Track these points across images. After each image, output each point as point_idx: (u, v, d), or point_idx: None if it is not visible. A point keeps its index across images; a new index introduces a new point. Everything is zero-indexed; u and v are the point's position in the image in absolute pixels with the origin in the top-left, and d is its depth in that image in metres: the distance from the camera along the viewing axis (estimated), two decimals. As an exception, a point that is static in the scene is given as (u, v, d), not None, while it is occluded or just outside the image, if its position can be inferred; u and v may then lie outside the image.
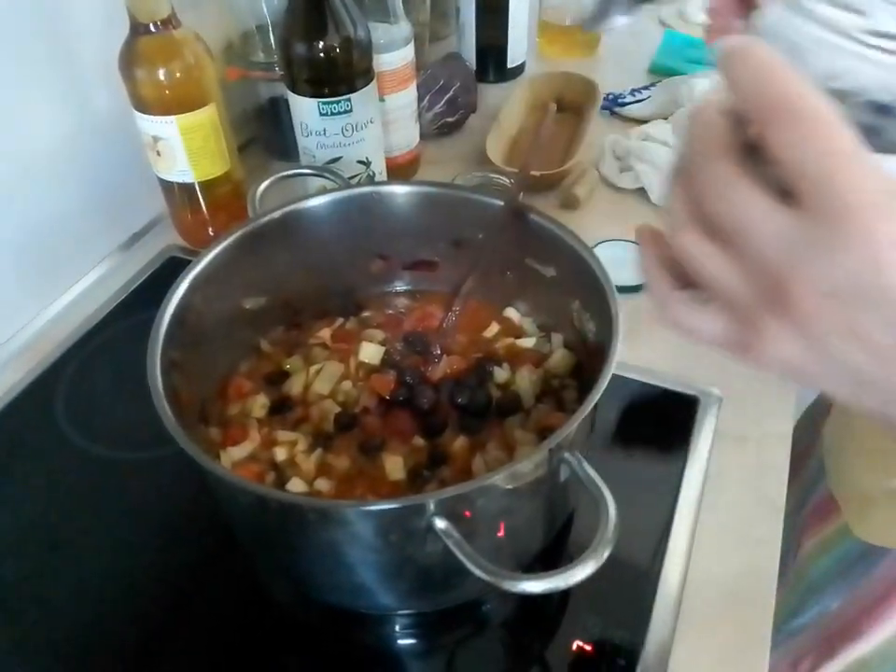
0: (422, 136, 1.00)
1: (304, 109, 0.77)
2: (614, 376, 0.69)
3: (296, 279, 0.66)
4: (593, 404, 0.45)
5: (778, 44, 0.38)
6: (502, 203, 0.61)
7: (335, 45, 0.73)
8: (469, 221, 0.64)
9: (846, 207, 0.23)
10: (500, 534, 0.47)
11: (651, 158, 0.91)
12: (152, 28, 0.70)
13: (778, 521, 0.59)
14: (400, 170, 0.94)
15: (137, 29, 0.70)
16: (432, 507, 0.41)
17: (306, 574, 0.53)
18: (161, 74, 0.72)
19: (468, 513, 0.43)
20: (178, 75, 0.72)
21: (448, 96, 0.99)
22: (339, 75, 0.75)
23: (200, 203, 0.83)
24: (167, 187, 0.82)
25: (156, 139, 0.76)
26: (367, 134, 0.80)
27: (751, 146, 0.26)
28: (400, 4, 0.84)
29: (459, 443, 0.56)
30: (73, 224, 0.81)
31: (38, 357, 0.75)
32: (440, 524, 0.41)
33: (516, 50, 1.14)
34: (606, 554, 0.39)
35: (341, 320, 0.67)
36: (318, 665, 0.54)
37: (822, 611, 0.65)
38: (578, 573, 0.38)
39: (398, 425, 0.58)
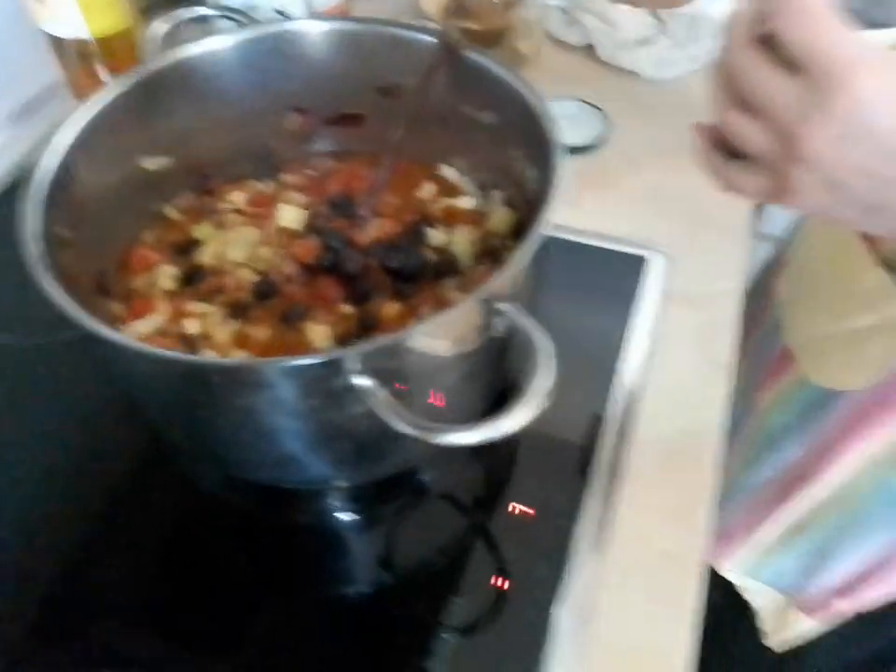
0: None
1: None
2: (560, 239, 0.66)
3: (203, 137, 0.59)
4: (530, 253, 0.41)
5: None
6: (435, 41, 0.54)
7: None
8: (397, 64, 0.57)
9: (833, 66, 0.29)
10: (436, 399, 0.44)
11: (599, 9, 0.84)
12: None
13: (726, 379, 0.57)
14: (325, 26, 0.84)
15: None
16: (353, 362, 0.37)
17: (228, 451, 0.49)
18: None
19: (395, 371, 0.39)
20: None
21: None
22: None
23: (95, 65, 0.73)
24: (58, 45, 0.72)
25: (33, -20, 0.66)
26: (282, -18, 0.70)
27: (769, 36, 0.33)
28: None
29: (390, 309, 0.52)
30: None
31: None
32: (362, 381, 0.37)
33: None
34: (540, 403, 0.36)
35: (257, 184, 0.61)
36: (255, 548, 0.50)
37: (778, 462, 0.65)
38: (510, 422, 0.34)
39: (323, 292, 0.53)
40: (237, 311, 0.52)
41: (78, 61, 0.73)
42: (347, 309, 0.52)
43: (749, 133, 0.34)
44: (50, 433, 0.55)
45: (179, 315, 0.52)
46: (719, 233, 0.66)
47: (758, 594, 0.72)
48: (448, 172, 0.61)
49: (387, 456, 0.47)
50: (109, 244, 0.54)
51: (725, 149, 0.37)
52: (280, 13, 0.72)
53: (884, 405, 0.53)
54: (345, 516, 0.52)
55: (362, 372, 0.37)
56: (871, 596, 0.65)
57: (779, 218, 0.88)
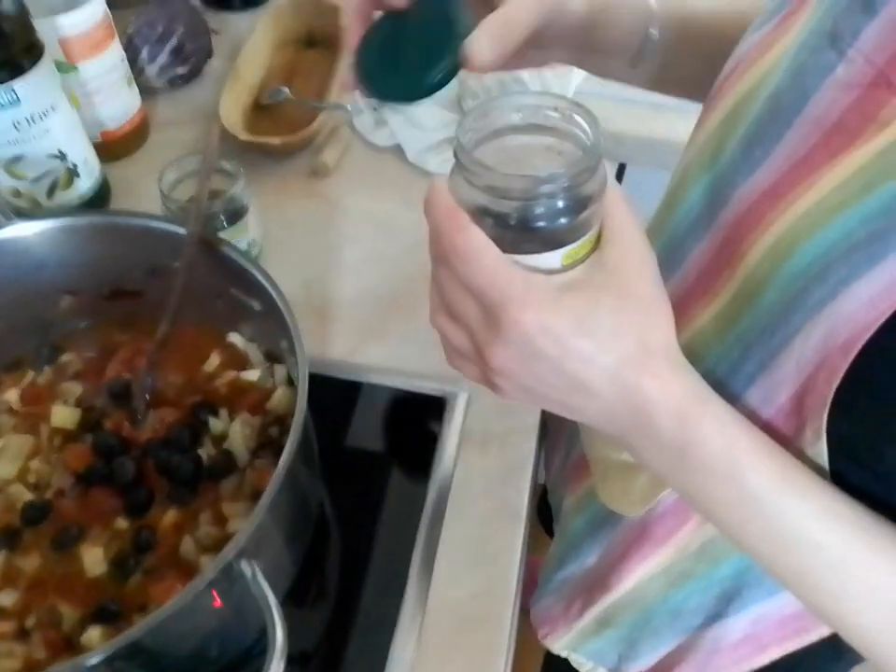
0: (152, 91, 0.87)
1: (-45, 105, 0.63)
2: (365, 384, 0.67)
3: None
4: (264, 511, 0.41)
5: None
6: (184, 232, 0.53)
7: (-31, 27, 0.58)
8: (158, 250, 0.55)
9: (501, 302, 0.32)
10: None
11: (406, 110, 0.83)
12: None
13: (518, 530, 0.59)
14: (121, 144, 0.81)
15: None
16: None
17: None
18: None
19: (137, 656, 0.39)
20: None
21: (172, 45, 0.85)
22: (-12, 61, 0.61)
23: None
24: None
25: None
26: (51, 124, 0.67)
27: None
28: (71, -51, 0.69)
29: (169, 519, 0.51)
30: None
31: None
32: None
33: (261, -31, 0.99)
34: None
35: (32, 374, 0.58)
36: None
37: (581, 566, 0.69)
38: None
39: (98, 505, 0.52)
40: (6, 539, 0.50)
41: None
42: (123, 524, 0.51)
43: (454, 337, 0.37)
44: None
45: (-59, 554, 0.50)
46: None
47: (589, 666, 0.77)
48: (236, 338, 0.61)
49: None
50: None
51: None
52: (56, 157, 0.69)
53: (650, 536, 0.56)
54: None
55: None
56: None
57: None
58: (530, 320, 0.32)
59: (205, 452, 0.54)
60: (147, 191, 0.72)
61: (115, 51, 0.76)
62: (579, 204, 0.32)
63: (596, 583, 0.66)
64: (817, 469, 0.36)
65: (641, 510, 0.55)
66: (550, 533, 0.96)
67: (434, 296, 0.38)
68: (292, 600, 0.53)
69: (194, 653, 0.48)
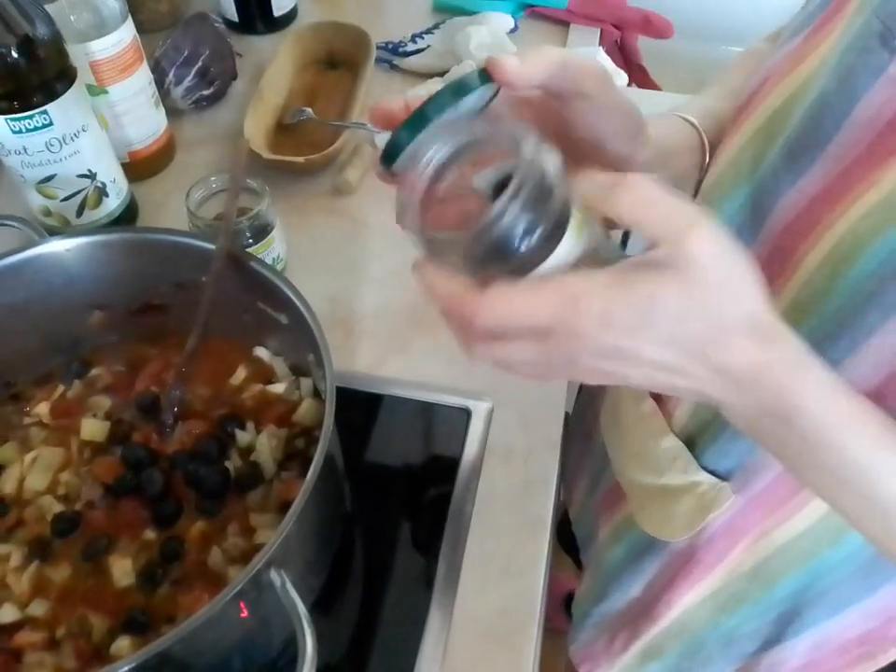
0: (178, 113, 0.89)
1: (-8, 127, 0.65)
2: (389, 397, 0.67)
3: (4, 341, 0.57)
4: (284, 532, 0.41)
5: None
6: (213, 248, 0.54)
7: (6, 50, 0.60)
8: (187, 265, 0.56)
9: (554, 329, 0.31)
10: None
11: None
12: None
13: (543, 542, 0.59)
14: (148, 163, 0.83)
15: None
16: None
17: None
18: None
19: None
20: None
21: (197, 67, 0.87)
22: (25, 84, 0.63)
23: None
24: None
25: None
26: (82, 144, 0.68)
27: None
28: (102, -25, 0.71)
29: (197, 530, 0.52)
30: None
31: None
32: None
33: (282, -5, 1.01)
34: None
35: (62, 387, 0.59)
36: None
37: (624, 597, 0.67)
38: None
39: (126, 517, 0.52)
40: (37, 549, 0.51)
41: None
42: (151, 535, 0.52)
43: (514, 353, 0.33)
44: None
45: (-27, 563, 0.50)
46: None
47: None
48: (262, 352, 0.61)
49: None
50: None
51: None
52: (85, 176, 0.70)
53: (699, 561, 0.55)
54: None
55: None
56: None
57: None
58: (591, 320, 0.30)
59: (232, 464, 0.54)
60: (174, 210, 0.73)
61: (143, 74, 0.78)
62: (545, 192, 0.31)
63: (641, 614, 0.64)
64: None
65: (686, 534, 0.54)
66: (570, 554, 0.94)
67: (459, 333, 0.34)
68: (317, 613, 0.53)
69: (221, 665, 0.48)
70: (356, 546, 0.60)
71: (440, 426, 0.66)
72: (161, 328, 0.62)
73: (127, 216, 0.77)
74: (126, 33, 0.74)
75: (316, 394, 0.58)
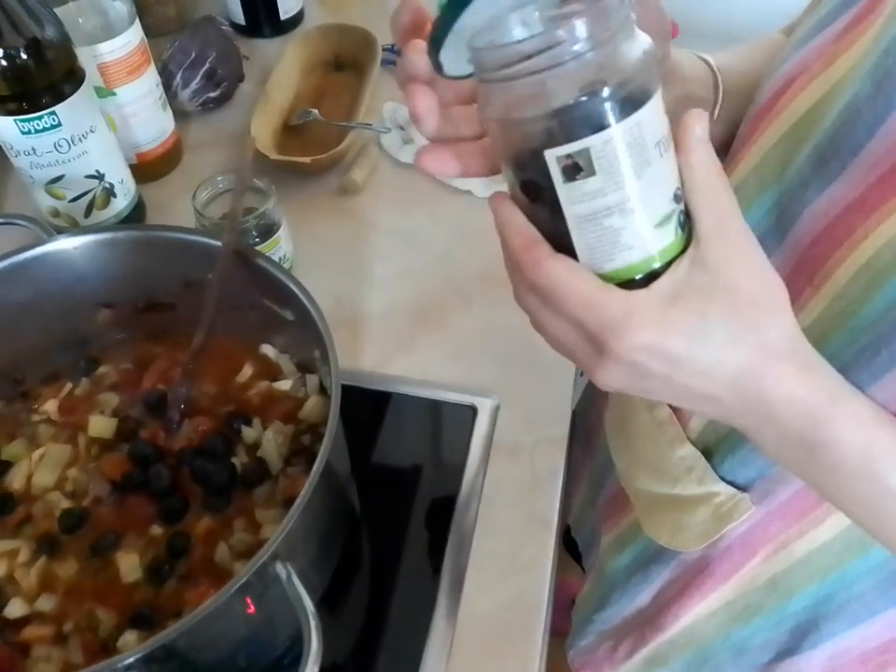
0: (185, 115, 0.90)
1: (1, 128, 0.65)
2: (395, 394, 0.67)
3: (14, 335, 0.57)
4: (290, 524, 0.41)
5: None
6: (219, 244, 0.54)
7: (15, 52, 0.61)
8: (193, 263, 0.57)
9: (602, 336, 0.31)
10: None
11: (431, 127, 0.84)
12: None
13: (549, 539, 0.59)
14: (155, 165, 0.83)
15: None
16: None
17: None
18: None
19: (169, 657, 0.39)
20: None
21: (204, 70, 0.87)
22: (34, 85, 0.63)
23: None
24: None
25: None
26: (90, 145, 0.69)
27: None
28: (110, -22, 0.72)
29: (203, 526, 0.52)
30: None
31: None
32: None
33: (288, -1, 1.02)
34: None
35: (69, 385, 0.60)
36: None
37: (631, 605, 0.65)
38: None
39: (133, 513, 0.53)
40: (45, 544, 0.51)
41: None
42: (158, 531, 0.52)
43: (554, 342, 0.34)
44: None
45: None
46: (545, 371, 0.68)
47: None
48: (268, 350, 0.62)
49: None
50: None
51: None
52: (93, 177, 0.71)
53: (713, 573, 0.54)
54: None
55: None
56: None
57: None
58: (637, 346, 0.30)
59: (239, 460, 0.55)
60: (181, 211, 0.74)
61: (150, 76, 0.79)
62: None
63: (648, 623, 0.63)
64: None
65: (700, 545, 0.52)
66: (573, 558, 0.93)
67: (516, 278, 0.34)
68: (323, 611, 0.53)
69: (226, 661, 0.48)
70: (361, 543, 0.60)
71: (445, 423, 0.66)
72: (167, 326, 0.62)
73: (135, 217, 0.78)
74: (134, 35, 0.74)
75: (322, 391, 0.58)
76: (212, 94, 0.90)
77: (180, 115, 0.87)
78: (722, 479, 0.49)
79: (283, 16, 1.02)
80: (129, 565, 0.50)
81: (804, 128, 0.40)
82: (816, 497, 0.43)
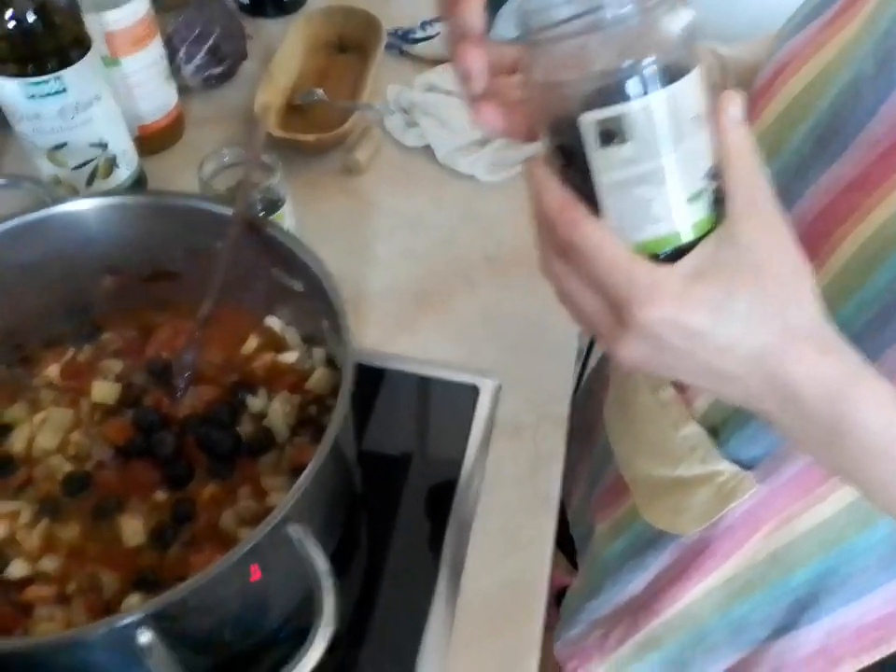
0: (188, 90, 0.89)
1: (6, 92, 0.64)
2: (396, 371, 0.67)
3: (17, 299, 0.57)
4: (312, 474, 0.41)
5: None
6: (230, 212, 0.54)
7: (23, 15, 0.60)
8: (201, 230, 0.56)
9: (627, 305, 0.31)
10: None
11: (436, 111, 0.85)
12: None
13: (550, 518, 0.59)
14: (157, 138, 0.83)
15: None
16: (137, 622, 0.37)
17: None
18: None
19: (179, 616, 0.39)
20: None
21: (208, 45, 0.87)
22: (40, 49, 0.63)
23: None
24: None
25: None
26: (95, 113, 0.68)
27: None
28: (120, -53, 0.71)
29: (208, 492, 0.52)
30: None
31: None
32: (145, 638, 0.37)
33: (293, -22, 1.02)
34: (325, 644, 0.37)
35: (72, 350, 0.59)
36: None
37: (623, 592, 0.66)
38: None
39: (137, 478, 0.52)
40: (47, 507, 0.51)
41: None
42: (162, 496, 0.52)
43: (577, 313, 0.34)
44: None
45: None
46: (547, 354, 0.69)
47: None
48: (273, 322, 0.62)
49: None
50: None
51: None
52: (96, 146, 0.70)
53: (714, 552, 0.54)
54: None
55: (146, 628, 0.37)
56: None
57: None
58: (660, 318, 0.30)
59: (244, 429, 0.54)
60: (181, 185, 0.73)
61: (155, 48, 0.78)
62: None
63: (641, 608, 0.63)
64: None
65: (700, 527, 0.53)
66: (564, 552, 0.93)
67: (542, 241, 0.34)
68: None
69: (232, 627, 0.48)
70: (362, 521, 0.60)
71: (447, 402, 0.66)
72: (171, 295, 0.62)
73: (136, 188, 0.77)
74: (140, 5, 0.74)
75: (329, 363, 0.58)
76: (215, 71, 0.89)
77: (183, 90, 0.87)
78: (727, 458, 0.49)
79: (286, -4, 1.02)
80: (132, 529, 0.50)
81: (797, 110, 0.41)
82: (822, 472, 0.44)
